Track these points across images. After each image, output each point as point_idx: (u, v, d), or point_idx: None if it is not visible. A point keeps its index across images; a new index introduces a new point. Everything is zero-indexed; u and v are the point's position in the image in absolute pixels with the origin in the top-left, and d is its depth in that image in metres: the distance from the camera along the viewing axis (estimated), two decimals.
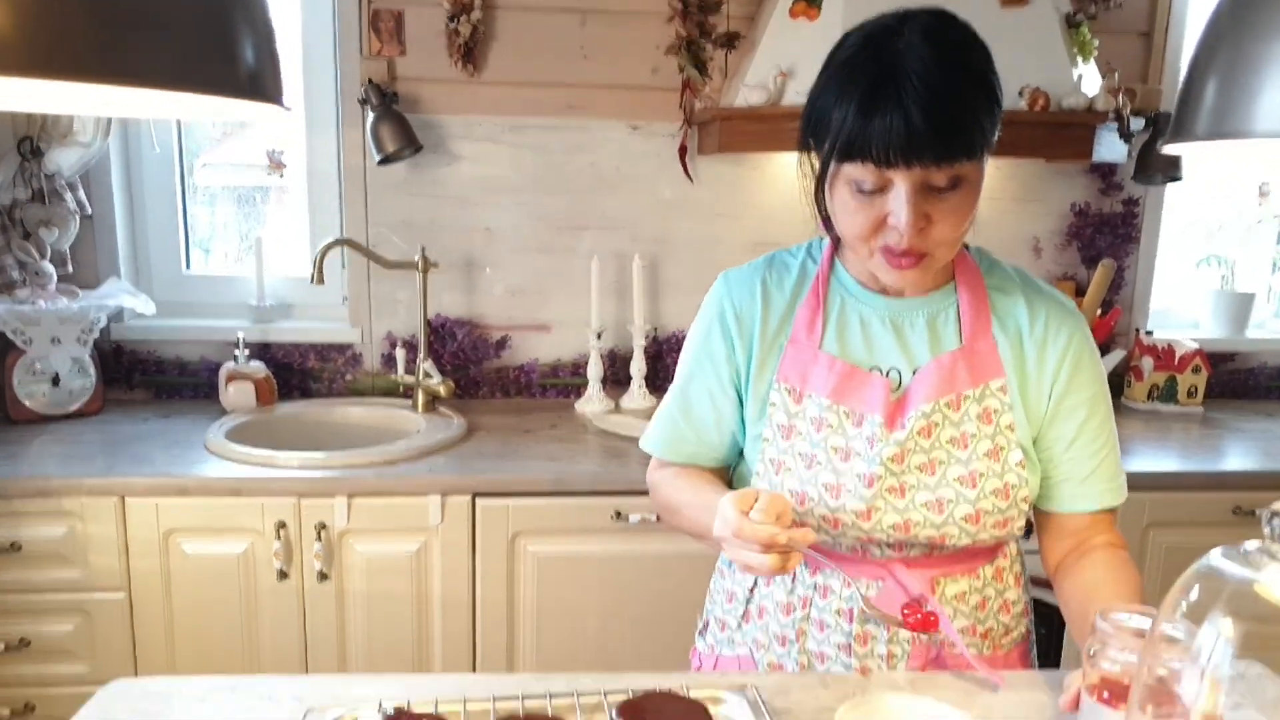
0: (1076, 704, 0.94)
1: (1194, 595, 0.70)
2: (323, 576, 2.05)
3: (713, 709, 1.05)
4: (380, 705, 1.04)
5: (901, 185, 1.06)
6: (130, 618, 2.05)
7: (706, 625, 1.40)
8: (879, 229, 1.11)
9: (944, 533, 1.17)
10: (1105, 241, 2.68)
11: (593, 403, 2.51)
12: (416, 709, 1.04)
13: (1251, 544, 0.68)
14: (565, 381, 2.65)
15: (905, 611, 0.99)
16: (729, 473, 1.36)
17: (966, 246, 1.25)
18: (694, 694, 1.07)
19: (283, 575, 2.05)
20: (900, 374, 1.20)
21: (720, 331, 1.27)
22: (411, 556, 2.06)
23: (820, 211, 1.24)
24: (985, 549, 1.24)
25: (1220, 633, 0.68)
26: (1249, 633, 0.67)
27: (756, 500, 1.05)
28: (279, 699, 1.11)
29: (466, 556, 2.07)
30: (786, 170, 2.42)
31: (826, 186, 1.16)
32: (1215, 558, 0.69)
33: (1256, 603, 0.66)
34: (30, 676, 2.05)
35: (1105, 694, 0.83)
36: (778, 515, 1.04)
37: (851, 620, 1.24)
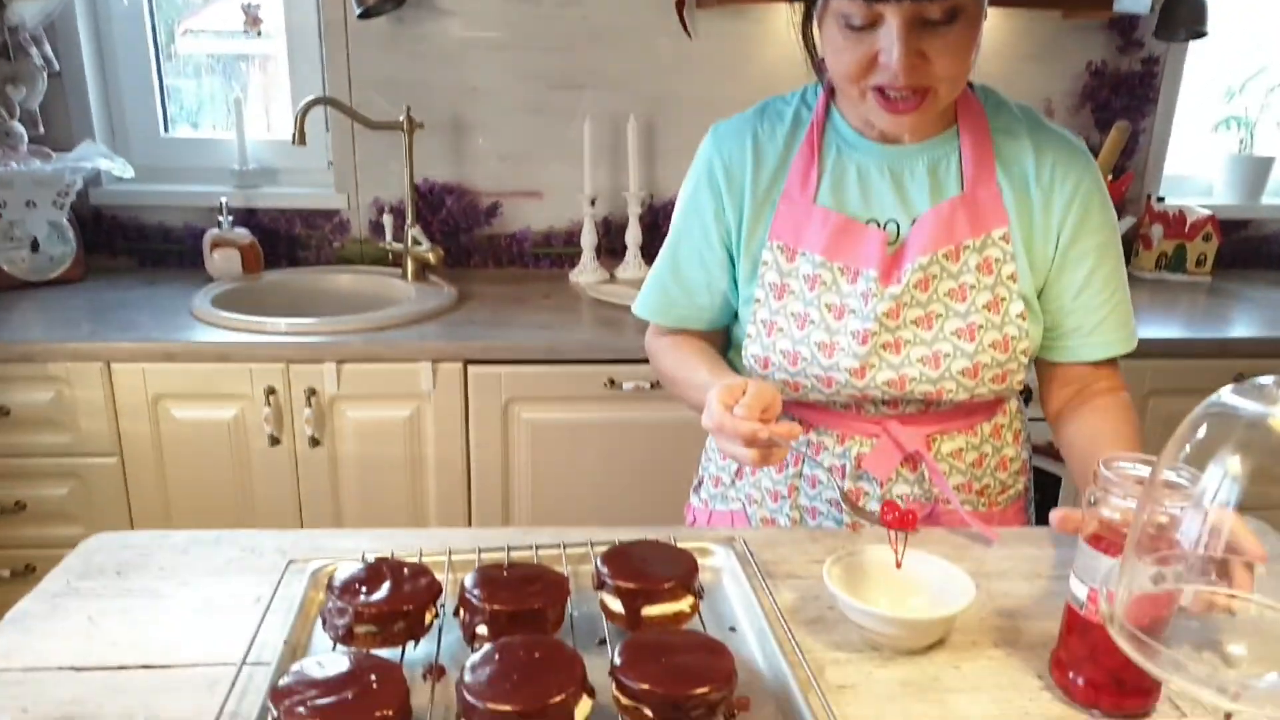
0: (1069, 525, 0.91)
1: (1201, 433, 0.66)
2: (314, 442, 2.04)
3: (701, 561, 1.03)
4: (363, 557, 1.02)
5: (892, 19, 0.99)
6: (124, 481, 2.05)
7: (701, 482, 1.39)
8: (870, 69, 1.03)
9: (940, 388, 1.14)
10: (1121, 103, 2.57)
11: (586, 272, 2.46)
12: (402, 559, 1.02)
13: (1267, 378, 0.64)
14: (559, 251, 2.59)
15: (883, 509, 0.95)
16: (727, 334, 1.32)
17: (971, 86, 1.17)
18: (683, 544, 1.05)
19: (274, 441, 2.04)
20: (898, 225, 1.15)
21: (709, 189, 1.21)
22: (404, 422, 2.04)
23: (811, 53, 1.16)
24: (984, 405, 1.21)
25: (1228, 471, 0.64)
26: (1259, 470, 0.64)
27: (745, 392, 1.02)
28: (262, 551, 1.10)
29: (459, 423, 2.05)
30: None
31: (816, 24, 1.08)
32: (1227, 394, 0.65)
33: (1269, 438, 0.63)
34: (28, 539, 2.06)
35: (1104, 544, 0.80)
36: (764, 408, 1.01)
37: (844, 476, 1.22)
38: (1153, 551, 0.72)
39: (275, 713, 0.71)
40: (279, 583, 0.99)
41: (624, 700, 0.77)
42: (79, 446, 2.01)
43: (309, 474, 2.07)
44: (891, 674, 0.90)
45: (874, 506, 1.22)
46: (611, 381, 2.04)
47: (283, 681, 0.74)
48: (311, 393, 2.00)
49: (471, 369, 2.02)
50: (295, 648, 0.90)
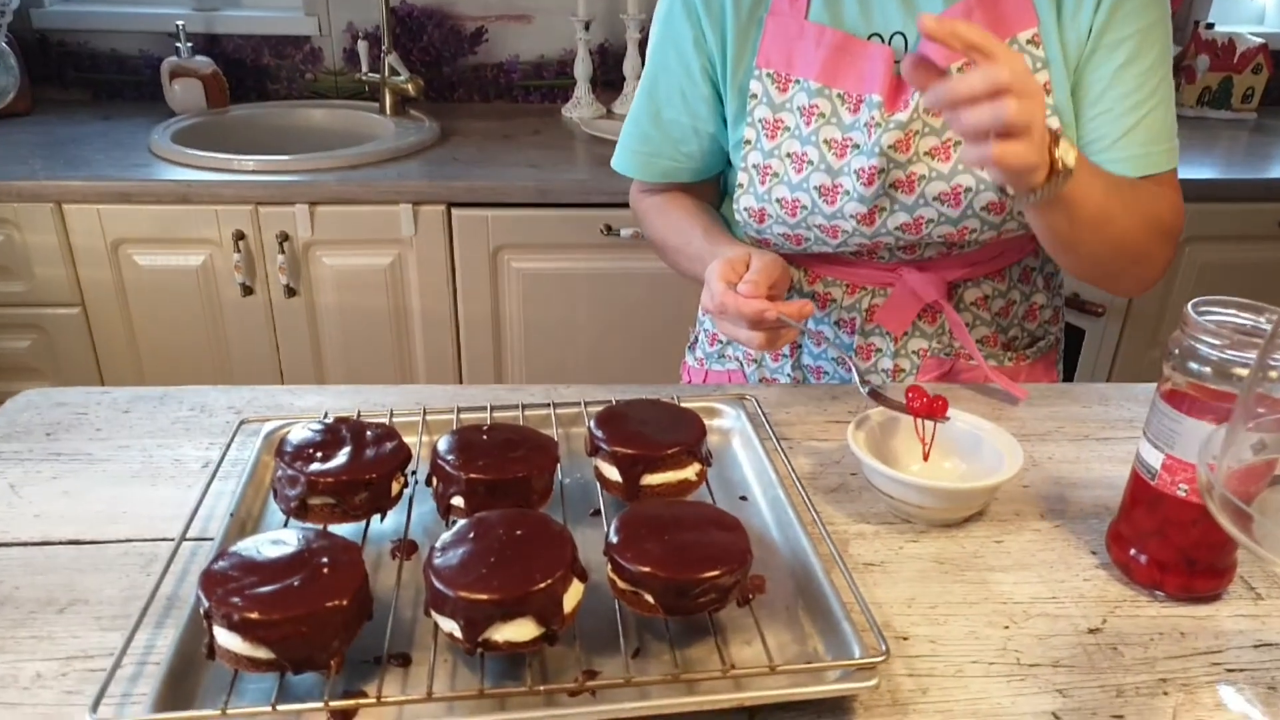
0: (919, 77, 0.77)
1: None
2: (290, 291, 1.90)
3: (707, 422, 0.91)
4: (325, 416, 0.90)
5: None
6: (89, 333, 1.92)
7: (696, 339, 1.26)
8: None
9: (962, 228, 0.99)
10: None
11: (581, 106, 2.26)
12: (368, 419, 0.90)
13: None
14: (550, 83, 2.37)
15: (909, 396, 0.82)
16: (721, 185, 1.16)
17: None
18: (688, 404, 0.93)
19: (247, 290, 1.90)
20: (905, 39, 0.97)
21: (684, 12, 1.01)
22: (385, 270, 1.90)
23: None
24: (1012, 244, 1.06)
25: None
26: None
27: (748, 266, 0.87)
28: (213, 410, 0.98)
29: (445, 271, 1.91)
30: None
31: None
32: None
33: None
34: None
35: (1186, 403, 0.67)
36: (771, 285, 0.86)
37: (853, 332, 1.09)
38: (1255, 416, 0.60)
39: (205, 603, 0.60)
40: (228, 445, 0.87)
41: (621, 584, 0.66)
42: (36, 295, 1.87)
43: (287, 327, 1.94)
44: (924, 550, 0.79)
45: (886, 364, 1.09)
46: (608, 228, 1.88)
47: (217, 565, 0.63)
48: (284, 238, 1.85)
49: (456, 212, 1.86)
50: (244, 522, 0.79)
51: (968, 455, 0.86)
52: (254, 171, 1.86)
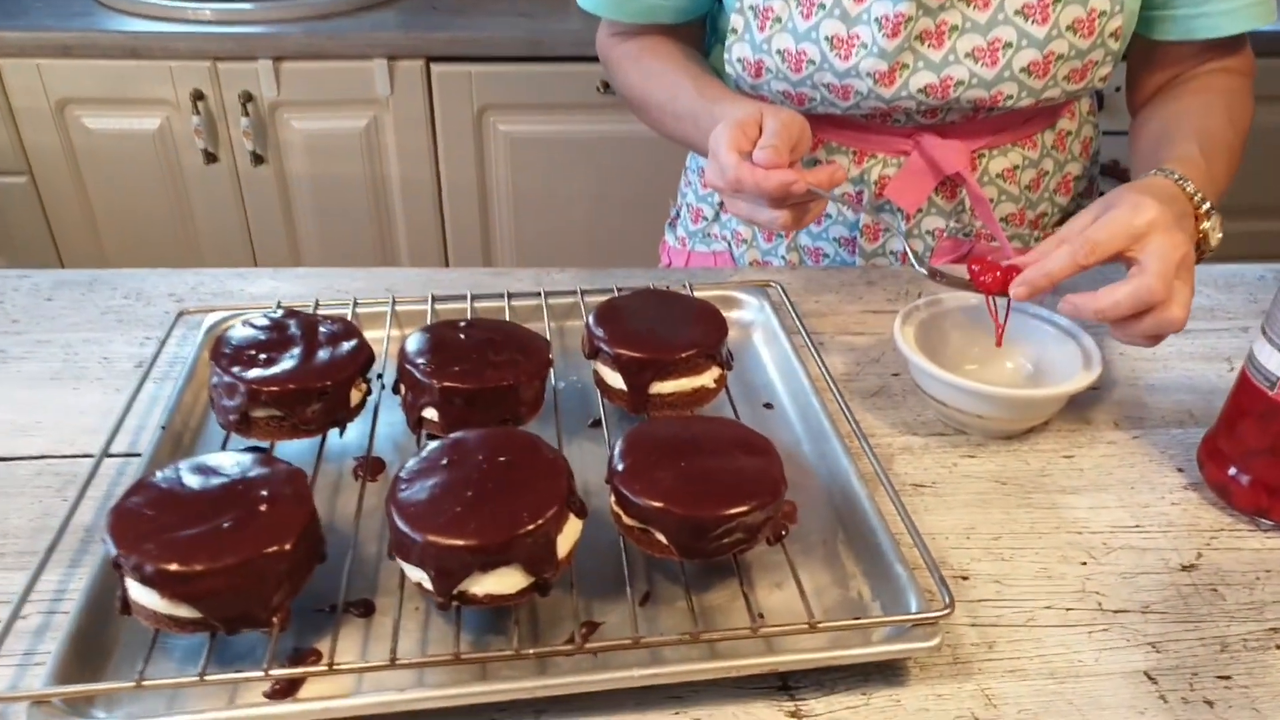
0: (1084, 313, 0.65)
1: None
2: (257, 159, 1.73)
3: (725, 314, 0.78)
4: (278, 305, 0.77)
5: None
6: (40, 206, 1.76)
7: (678, 214, 1.11)
8: None
9: (997, 92, 0.83)
10: None
11: None
12: (326, 311, 0.77)
13: None
14: None
15: (973, 267, 0.68)
16: (704, 30, 0.99)
17: None
18: (701, 294, 0.80)
19: (210, 157, 1.73)
20: None
21: None
22: (359, 135, 1.73)
23: None
24: (1047, 109, 0.91)
25: None
26: None
27: (761, 129, 0.71)
28: (151, 297, 0.84)
29: (425, 135, 1.74)
30: None
31: None
32: None
33: None
34: None
35: None
36: (792, 148, 0.70)
37: (859, 206, 0.94)
38: None
39: (113, 550, 0.48)
40: (163, 341, 0.74)
41: (627, 519, 0.54)
42: None
43: (256, 199, 1.78)
44: (982, 466, 0.67)
45: (895, 245, 0.95)
46: (606, 86, 1.70)
47: (129, 501, 0.51)
48: (247, 98, 1.67)
49: (435, 68, 1.68)
50: (180, 435, 0.67)
51: (1032, 352, 0.73)
52: (211, 22, 1.66)
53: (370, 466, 0.65)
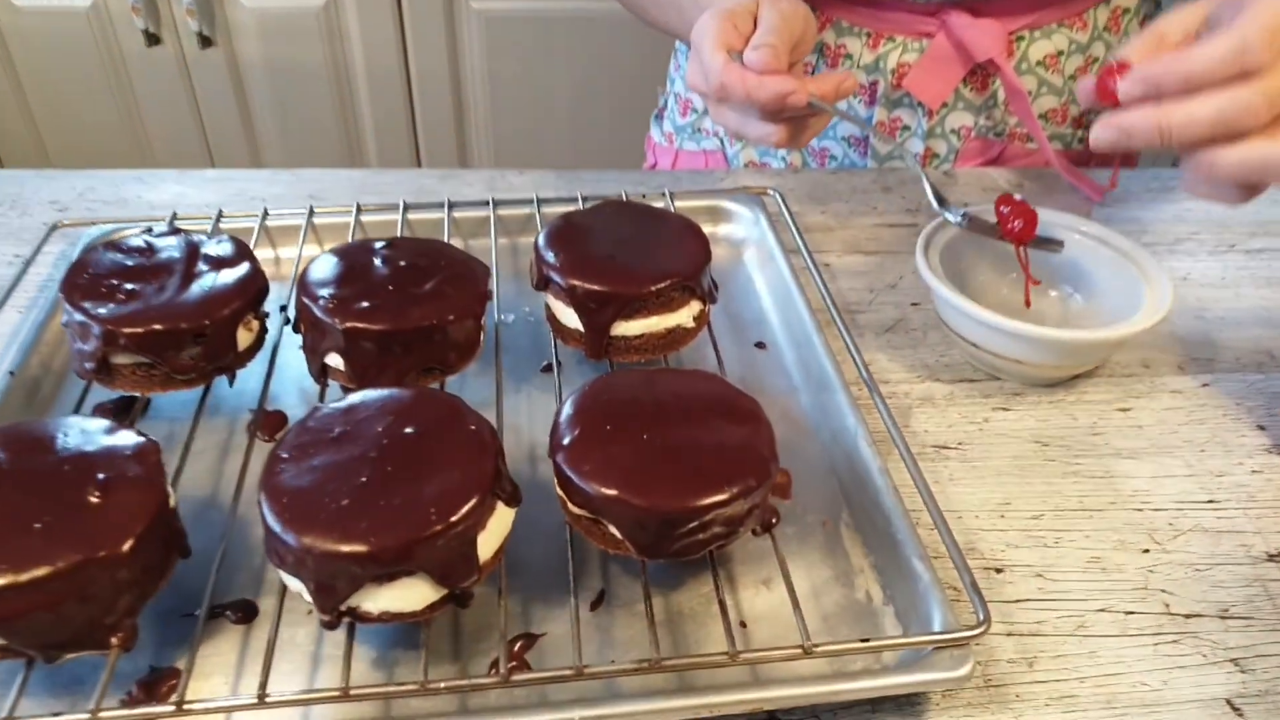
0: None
1: None
2: (205, 41, 1.56)
3: (710, 229, 0.65)
4: (171, 220, 0.64)
5: None
6: None
7: (665, 105, 0.96)
8: None
9: None
10: None
11: None
12: (231, 224, 0.64)
13: None
14: None
15: (1001, 210, 0.54)
16: None
17: None
18: (683, 205, 0.66)
19: (151, 39, 1.55)
20: None
21: None
22: (318, 14, 1.55)
23: None
24: None
25: None
26: None
27: (756, 23, 0.57)
28: (29, 205, 0.71)
29: (391, 17, 1.56)
30: None
31: None
32: None
33: None
34: None
35: None
36: (792, 47, 0.57)
37: (872, 101, 0.79)
38: None
39: None
40: (28, 261, 0.61)
41: (573, 507, 0.42)
42: None
43: (206, 89, 1.62)
44: (1019, 422, 0.55)
45: (915, 146, 0.80)
46: None
47: None
48: None
49: None
50: (38, 382, 0.55)
51: (1081, 281, 0.61)
52: None
53: (266, 423, 0.53)
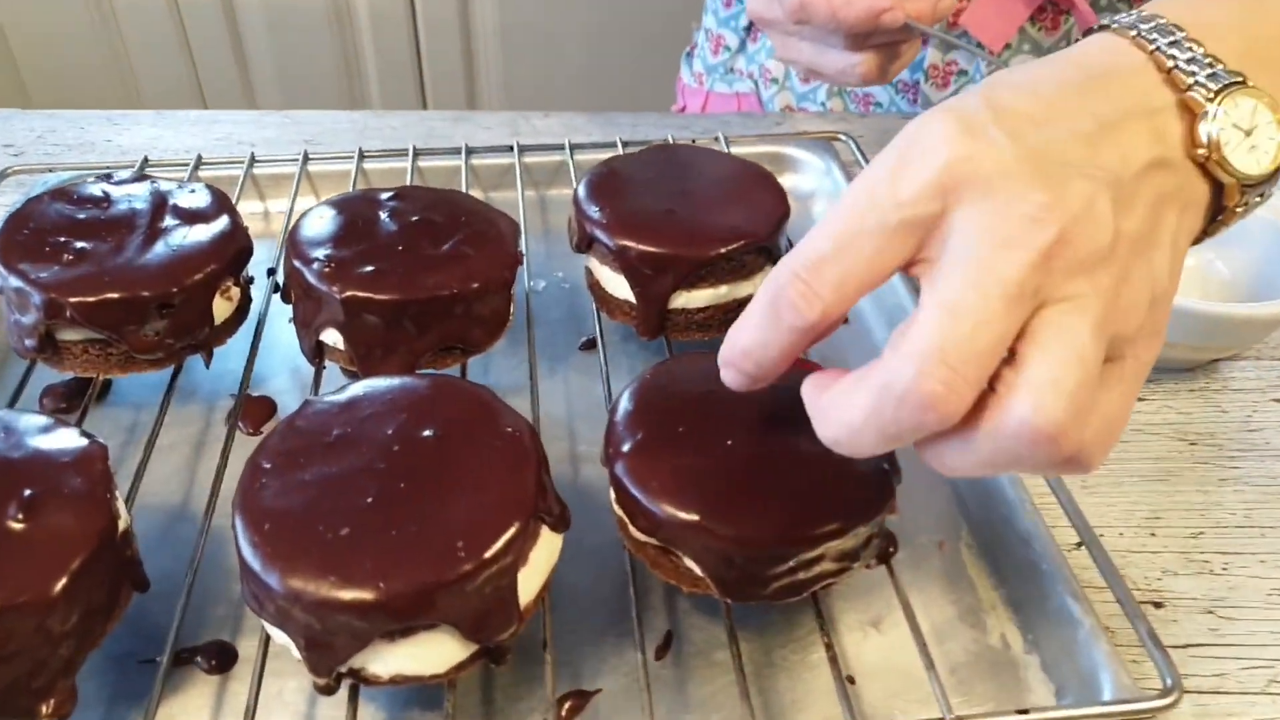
0: None
1: None
2: None
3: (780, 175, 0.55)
4: (143, 163, 0.54)
5: None
6: None
7: (696, 44, 0.85)
8: None
9: None
10: None
11: None
12: (211, 171, 0.54)
13: None
14: None
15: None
16: None
17: None
18: (739, 152, 0.56)
19: None
20: None
21: None
22: None
23: None
24: None
25: None
26: None
27: None
28: None
29: None
30: None
31: None
32: None
33: None
34: None
35: None
36: None
37: (923, 44, 0.69)
38: None
39: None
40: None
41: (637, 533, 0.33)
42: None
43: (198, 27, 1.51)
44: (1160, 416, 0.46)
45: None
46: None
47: None
48: None
49: None
50: None
51: (1224, 246, 0.51)
52: None
53: (249, 412, 0.44)
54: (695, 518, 0.31)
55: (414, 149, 0.55)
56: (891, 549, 0.34)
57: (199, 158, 0.55)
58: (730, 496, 0.31)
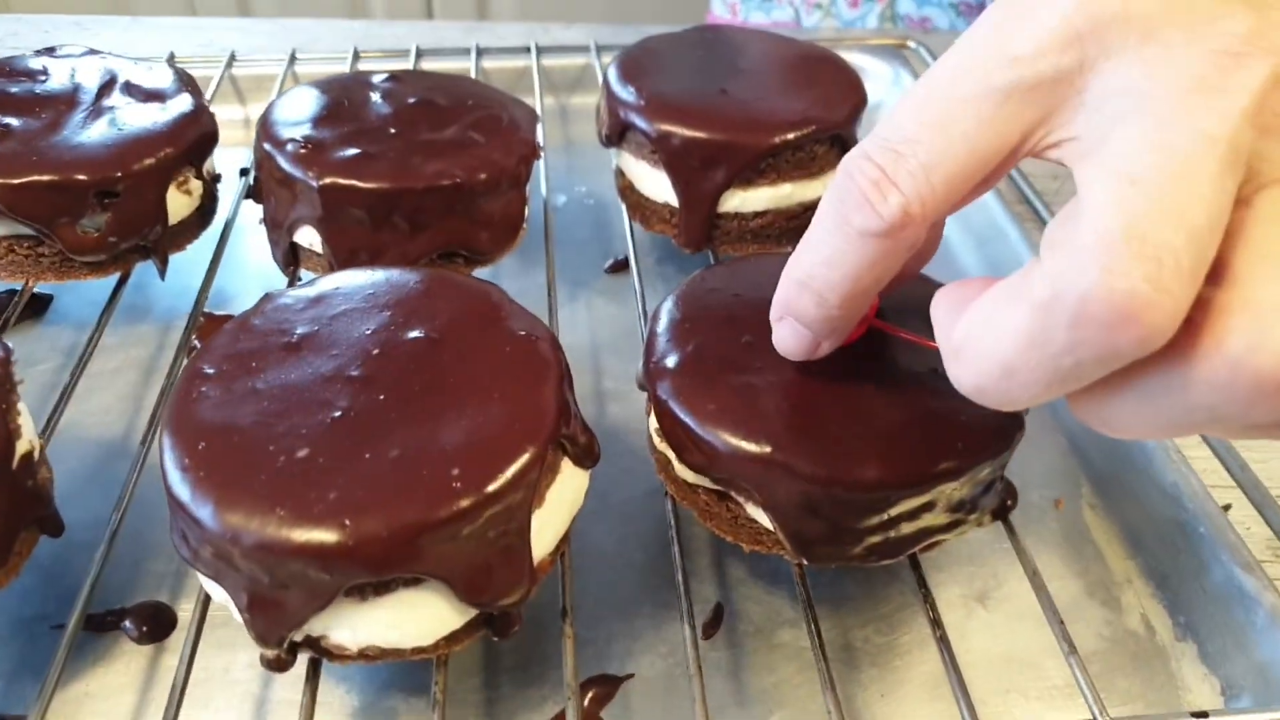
0: None
1: None
2: None
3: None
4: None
5: None
6: None
7: None
8: None
9: None
10: None
11: None
12: (187, 67, 0.47)
13: None
14: None
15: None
16: None
17: None
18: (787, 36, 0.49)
19: None
20: None
21: None
22: None
23: None
24: None
25: None
26: None
27: None
28: None
29: None
30: None
31: None
32: None
33: None
34: None
35: None
36: None
37: None
38: None
39: None
40: None
41: (682, 471, 0.25)
42: None
43: None
44: None
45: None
46: None
47: None
48: None
49: None
50: None
51: None
52: None
53: (209, 333, 0.36)
54: (766, 449, 0.23)
55: (417, 49, 0.48)
56: (1010, 501, 0.27)
57: (171, 54, 0.48)
58: (811, 422, 0.24)
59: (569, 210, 0.44)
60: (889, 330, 0.25)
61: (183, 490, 0.21)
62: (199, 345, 0.35)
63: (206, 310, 0.36)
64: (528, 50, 0.49)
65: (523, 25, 0.57)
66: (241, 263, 0.40)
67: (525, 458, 0.22)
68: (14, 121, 0.34)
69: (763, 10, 0.73)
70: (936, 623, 0.24)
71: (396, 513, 0.20)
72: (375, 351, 0.24)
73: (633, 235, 0.37)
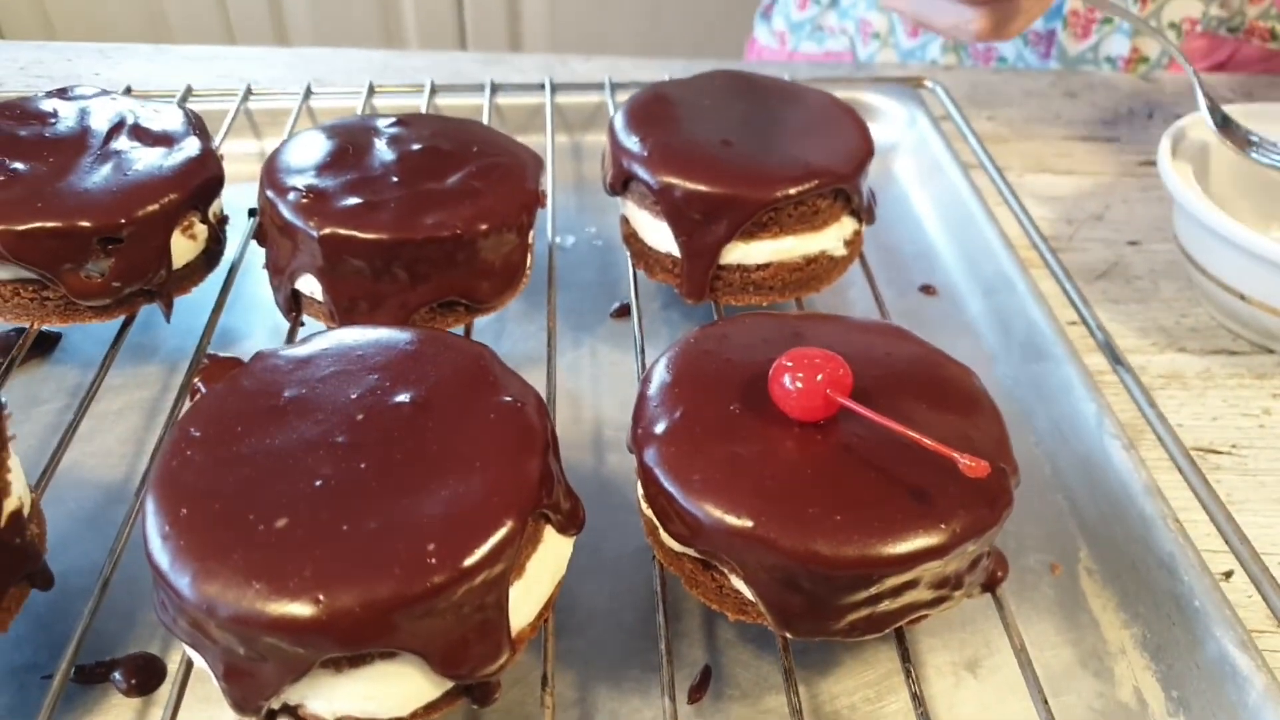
0: None
1: None
2: None
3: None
4: (125, 92, 0.47)
5: None
6: None
7: (774, 1, 0.76)
8: None
9: None
10: None
11: None
12: (202, 103, 0.48)
13: None
14: None
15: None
16: None
17: None
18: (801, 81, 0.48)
19: None
20: None
21: None
22: None
23: None
24: None
25: None
26: None
27: None
28: None
29: None
30: None
31: None
32: None
33: None
34: None
35: None
36: None
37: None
38: None
39: None
40: None
41: (670, 541, 0.25)
42: None
43: None
44: None
45: (1119, 46, 0.61)
46: None
47: None
48: None
49: None
50: None
51: None
52: None
53: (212, 375, 0.36)
54: (748, 524, 0.23)
55: (431, 84, 0.48)
56: (1000, 573, 0.26)
57: (188, 87, 0.48)
58: (795, 496, 0.23)
59: (577, 251, 0.44)
60: (861, 413, 0.24)
61: (162, 559, 0.22)
62: (204, 389, 0.36)
63: (210, 352, 0.36)
64: (542, 87, 0.49)
65: (540, 57, 0.58)
66: (251, 301, 0.40)
67: (503, 532, 0.22)
68: (20, 166, 0.34)
69: (814, 40, 0.72)
70: (918, 698, 0.24)
71: (370, 588, 0.21)
72: (360, 417, 0.24)
73: (636, 282, 0.37)
